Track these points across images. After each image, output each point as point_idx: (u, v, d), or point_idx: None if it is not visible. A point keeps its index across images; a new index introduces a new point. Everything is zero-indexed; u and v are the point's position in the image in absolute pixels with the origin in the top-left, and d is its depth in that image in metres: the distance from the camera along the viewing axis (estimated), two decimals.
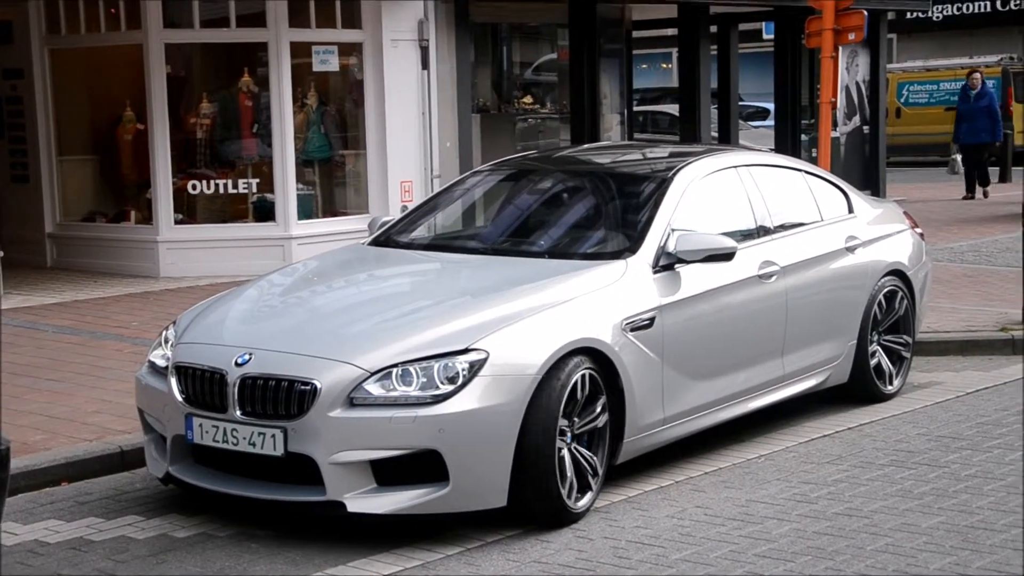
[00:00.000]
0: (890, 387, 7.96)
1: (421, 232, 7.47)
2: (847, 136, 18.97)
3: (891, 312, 7.99)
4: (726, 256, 6.52)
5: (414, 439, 5.34)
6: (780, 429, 7.30)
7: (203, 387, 5.69)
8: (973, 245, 14.48)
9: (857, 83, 19.34)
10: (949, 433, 7.21)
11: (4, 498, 4.53)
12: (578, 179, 7.59)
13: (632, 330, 6.05)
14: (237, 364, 5.59)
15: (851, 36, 12.62)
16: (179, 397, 5.78)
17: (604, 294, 6.10)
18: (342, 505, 5.36)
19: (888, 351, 7.99)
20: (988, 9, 34.06)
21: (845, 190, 8.28)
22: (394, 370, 5.43)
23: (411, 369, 5.43)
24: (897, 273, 8.06)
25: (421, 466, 5.38)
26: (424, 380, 5.40)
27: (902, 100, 29.55)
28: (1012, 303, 10.20)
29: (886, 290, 7.92)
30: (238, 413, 5.53)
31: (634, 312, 6.11)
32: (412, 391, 5.39)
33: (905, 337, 8.11)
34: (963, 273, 12.52)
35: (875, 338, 7.88)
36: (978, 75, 20.42)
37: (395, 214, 10.19)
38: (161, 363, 6.08)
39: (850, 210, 8.10)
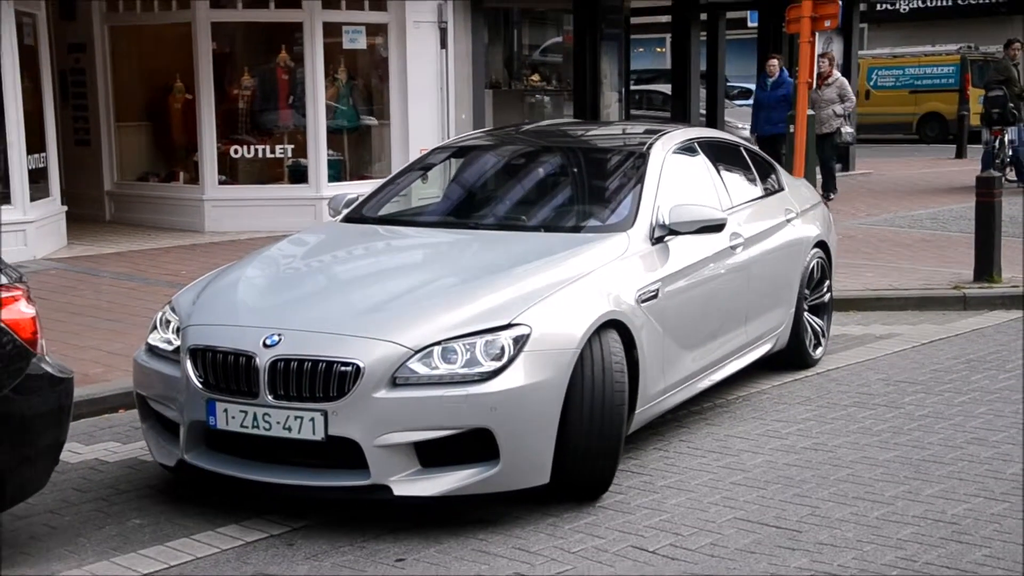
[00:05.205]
0: (816, 353, 7.53)
1: (399, 209, 6.74)
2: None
3: (816, 282, 7.55)
4: (717, 227, 5.98)
5: (465, 418, 4.66)
6: (756, 373, 7.29)
7: (227, 371, 4.83)
8: (932, 213, 14.44)
9: None
10: (906, 378, 7.23)
11: (69, 422, 4.60)
12: (556, 153, 6.89)
13: (642, 301, 5.48)
14: (266, 345, 4.77)
15: (827, 23, 12.57)
16: (197, 382, 4.90)
17: (617, 267, 5.53)
18: (388, 489, 4.67)
19: (812, 322, 7.52)
20: (950, 3, 33.83)
21: (774, 165, 7.90)
22: (436, 348, 4.72)
23: (455, 346, 4.73)
24: (821, 245, 7.62)
25: (467, 446, 4.72)
26: (468, 357, 4.72)
27: (871, 83, 29.38)
28: (964, 264, 10.19)
29: (815, 261, 7.49)
30: (270, 397, 4.72)
31: (644, 284, 5.55)
32: (458, 369, 4.69)
33: (824, 310, 7.68)
34: (922, 238, 12.50)
35: (805, 307, 7.40)
36: (775, 62, 15.82)
37: None
38: (164, 347, 5.21)
39: (779, 185, 7.64)
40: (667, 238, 5.89)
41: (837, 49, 19.45)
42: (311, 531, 4.78)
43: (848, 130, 16.25)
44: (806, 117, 12.89)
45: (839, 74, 16.05)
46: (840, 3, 12.47)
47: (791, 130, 13.16)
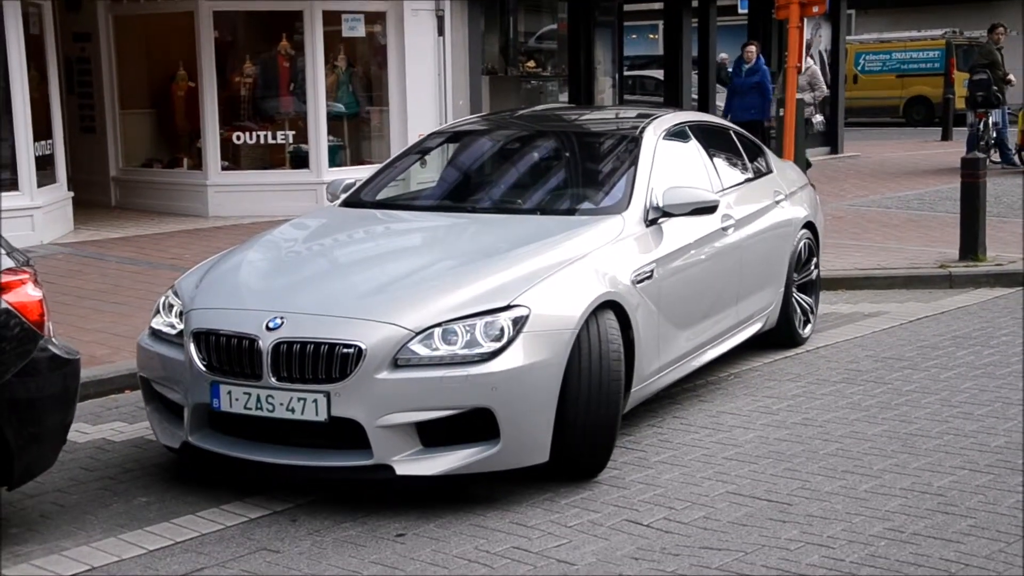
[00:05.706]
0: (804, 332, 7.51)
1: (396, 193, 6.64)
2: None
3: (804, 262, 7.51)
4: (710, 209, 5.94)
5: (466, 398, 4.61)
6: (747, 351, 7.28)
7: (230, 354, 4.78)
8: (918, 195, 14.42)
9: (820, 52, 19.18)
10: (893, 355, 7.22)
11: (75, 402, 4.58)
12: (551, 138, 6.82)
13: (637, 282, 5.42)
14: (268, 328, 4.72)
15: (815, 9, 12.51)
16: (201, 365, 4.86)
17: (614, 248, 5.47)
18: (390, 468, 4.63)
19: (801, 301, 7.49)
20: None
21: (763, 148, 7.86)
22: (436, 329, 4.67)
23: (455, 327, 4.68)
24: (809, 226, 7.57)
25: (468, 425, 4.68)
26: (468, 338, 4.67)
27: (859, 68, 29.32)
28: (950, 244, 10.18)
29: (803, 242, 7.44)
30: (273, 379, 4.67)
31: (639, 265, 5.50)
32: (458, 350, 4.64)
33: (812, 289, 7.64)
34: (909, 218, 12.48)
35: (794, 287, 7.38)
36: (752, 48, 15.37)
37: None
38: (167, 331, 5.14)
39: (768, 167, 7.60)
40: (661, 220, 5.84)
41: (825, 35, 19.41)
42: (313, 508, 4.77)
43: (819, 119, 16.30)
44: (795, 101, 12.83)
45: (811, 62, 16.04)
46: None
47: (780, 114, 13.11)
